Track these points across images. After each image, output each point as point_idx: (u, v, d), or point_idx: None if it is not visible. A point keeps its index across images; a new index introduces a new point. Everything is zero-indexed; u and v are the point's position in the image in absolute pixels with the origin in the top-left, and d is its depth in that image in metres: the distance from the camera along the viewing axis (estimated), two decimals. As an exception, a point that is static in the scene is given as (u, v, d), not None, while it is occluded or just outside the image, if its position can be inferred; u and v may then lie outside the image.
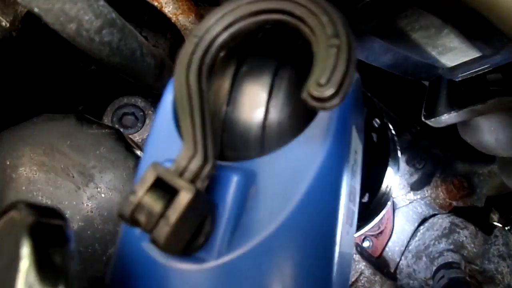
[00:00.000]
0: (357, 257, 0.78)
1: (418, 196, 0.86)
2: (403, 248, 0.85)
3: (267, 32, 0.30)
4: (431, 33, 0.51)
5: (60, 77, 0.67)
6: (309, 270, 0.26)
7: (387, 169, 0.55)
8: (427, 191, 0.86)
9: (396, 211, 0.87)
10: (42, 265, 0.18)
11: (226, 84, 0.29)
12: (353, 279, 0.77)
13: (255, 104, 0.28)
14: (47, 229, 0.20)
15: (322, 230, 0.26)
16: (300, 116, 0.28)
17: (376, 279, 0.77)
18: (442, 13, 0.46)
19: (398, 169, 0.58)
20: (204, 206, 0.24)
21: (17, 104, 0.61)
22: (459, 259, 0.77)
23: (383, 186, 0.54)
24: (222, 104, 0.28)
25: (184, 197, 0.21)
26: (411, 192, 0.87)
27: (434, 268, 0.78)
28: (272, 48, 0.30)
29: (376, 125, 0.53)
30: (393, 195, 0.58)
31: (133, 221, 0.22)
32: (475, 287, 0.75)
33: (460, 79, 0.58)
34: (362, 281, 0.77)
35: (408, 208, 0.87)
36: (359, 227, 0.54)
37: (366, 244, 0.85)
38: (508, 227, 0.82)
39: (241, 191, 0.25)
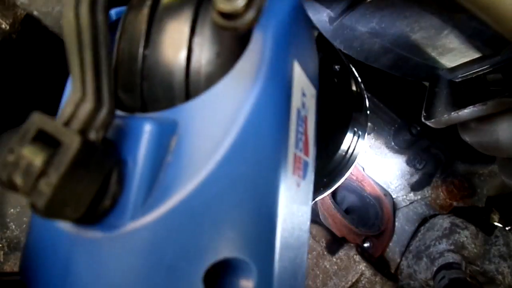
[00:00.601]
0: (357, 257, 0.78)
1: (419, 197, 0.86)
2: (403, 249, 0.85)
3: None
4: (431, 34, 0.51)
5: (60, 79, 0.67)
6: (245, 230, 0.22)
7: (350, 122, 0.50)
8: (427, 191, 0.86)
9: (397, 212, 0.87)
10: None
11: (142, 23, 0.25)
12: (353, 280, 0.77)
13: (176, 43, 0.24)
14: None
15: (257, 182, 0.22)
16: (231, 54, 0.24)
17: (376, 279, 0.77)
18: (441, 14, 0.46)
19: (366, 123, 0.53)
20: (102, 160, 0.20)
21: (17, 106, 0.61)
22: (459, 260, 0.77)
23: (347, 140, 0.50)
24: (138, 47, 0.25)
25: (67, 149, 0.18)
26: (412, 193, 0.87)
27: (435, 268, 0.78)
28: None
29: (337, 70, 0.47)
30: (359, 157, 0.52)
31: (10, 185, 0.18)
32: (476, 288, 0.75)
33: (460, 79, 0.58)
34: (363, 282, 0.77)
35: (408, 209, 0.87)
36: (323, 187, 0.50)
37: (366, 244, 0.85)
38: (509, 228, 0.82)
39: (156, 143, 0.21)
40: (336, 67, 0.46)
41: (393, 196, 0.87)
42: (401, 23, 0.50)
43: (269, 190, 0.23)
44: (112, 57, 0.26)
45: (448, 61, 0.57)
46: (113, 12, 0.30)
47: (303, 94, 0.27)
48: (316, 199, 0.52)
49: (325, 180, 0.51)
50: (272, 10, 0.23)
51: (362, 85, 0.53)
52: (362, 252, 0.80)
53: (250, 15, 0.19)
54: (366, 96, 0.53)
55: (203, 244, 0.21)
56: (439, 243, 0.80)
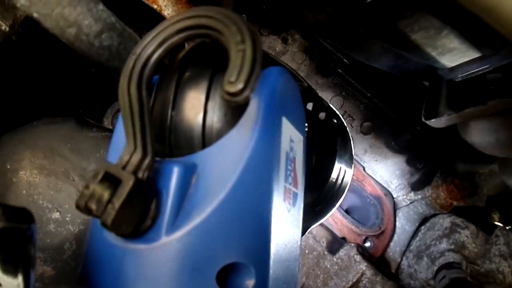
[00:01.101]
0: (358, 257, 0.78)
1: (419, 196, 0.86)
2: (404, 248, 0.85)
3: (203, 45, 0.36)
4: (431, 34, 0.51)
5: (60, 80, 0.67)
6: (247, 242, 0.30)
7: (336, 157, 0.60)
8: (428, 191, 0.86)
9: (397, 211, 0.87)
10: (5, 260, 0.24)
11: (170, 92, 0.33)
12: (354, 280, 0.77)
13: (195, 107, 0.33)
14: (14, 231, 0.25)
15: (256, 207, 0.31)
16: (235, 114, 0.32)
17: (377, 279, 0.77)
18: (441, 14, 0.46)
19: (351, 157, 0.63)
20: (147, 192, 0.28)
21: (17, 108, 0.61)
22: (460, 259, 0.77)
23: (334, 174, 0.60)
24: (168, 109, 0.33)
25: (125, 185, 0.26)
26: (412, 192, 0.87)
27: (435, 268, 0.78)
28: (208, 58, 0.35)
29: (322, 118, 0.58)
30: (348, 185, 0.62)
31: (87, 210, 0.26)
32: (477, 287, 0.75)
33: (460, 79, 0.58)
34: (364, 282, 0.78)
35: (409, 208, 0.87)
36: (315, 216, 0.60)
37: (367, 244, 0.85)
38: (509, 227, 0.82)
39: (182, 180, 0.29)
40: (322, 114, 0.56)
41: (394, 196, 0.87)
42: (401, 23, 0.50)
43: (265, 212, 0.32)
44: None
45: (448, 61, 0.57)
46: None
47: (291, 140, 0.36)
48: (312, 227, 0.60)
49: (317, 208, 0.59)
50: (264, 82, 0.32)
51: (343, 119, 0.64)
52: (363, 252, 0.80)
53: (246, 93, 0.26)
54: (349, 134, 0.64)
55: (216, 252, 0.29)
56: (440, 243, 0.80)
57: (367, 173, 0.87)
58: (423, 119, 0.60)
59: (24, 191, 0.52)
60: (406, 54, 0.60)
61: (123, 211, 0.26)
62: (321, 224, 0.83)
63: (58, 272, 0.51)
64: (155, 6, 0.54)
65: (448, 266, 0.76)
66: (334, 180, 0.60)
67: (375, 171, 0.88)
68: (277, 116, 0.33)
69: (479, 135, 0.57)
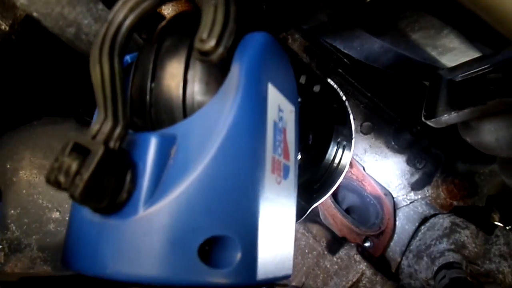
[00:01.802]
0: (358, 257, 0.78)
1: (419, 196, 0.86)
2: (404, 248, 0.85)
3: (184, 15, 0.35)
4: (431, 33, 0.51)
5: (60, 79, 0.67)
6: (230, 214, 0.29)
7: (333, 133, 0.57)
8: (428, 191, 0.86)
9: (397, 211, 0.87)
10: None
11: (149, 63, 0.32)
12: (354, 280, 0.77)
13: (174, 77, 0.31)
14: None
15: (239, 177, 0.29)
16: (217, 82, 0.31)
17: (377, 279, 0.77)
18: (442, 14, 0.46)
19: (350, 135, 0.59)
20: (120, 163, 0.27)
21: (17, 108, 0.61)
22: (460, 259, 0.77)
23: (331, 151, 0.57)
24: (147, 81, 0.32)
25: (94, 155, 0.25)
26: (412, 192, 0.87)
27: (435, 268, 0.78)
28: (189, 28, 0.34)
29: (317, 91, 0.54)
30: (348, 165, 0.60)
31: (56, 184, 0.25)
32: (477, 287, 0.75)
33: (460, 79, 0.58)
34: (363, 281, 0.77)
35: (409, 208, 0.87)
36: (315, 194, 0.57)
37: (367, 244, 0.85)
38: (509, 227, 0.82)
39: (160, 151, 0.28)
40: (316, 87, 0.52)
41: (394, 196, 0.87)
42: (401, 23, 0.50)
43: (250, 183, 0.30)
44: (128, 89, 0.33)
45: (448, 61, 0.57)
46: (129, 57, 0.38)
47: (280, 110, 0.34)
48: (314, 205, 0.58)
49: (315, 186, 0.57)
50: (246, 46, 0.31)
51: (347, 103, 0.60)
52: (363, 252, 0.80)
53: (220, 51, 0.25)
54: (350, 112, 0.60)
55: (197, 225, 0.27)
56: (440, 243, 0.80)
57: (367, 173, 0.87)
58: (423, 119, 0.60)
59: (24, 191, 0.52)
60: (406, 54, 0.60)
61: (93, 182, 0.25)
62: (321, 224, 0.83)
63: (58, 272, 0.51)
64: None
65: (448, 266, 0.76)
66: (332, 158, 0.57)
67: (375, 170, 0.88)
68: (262, 82, 0.31)
69: (479, 135, 0.57)
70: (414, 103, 0.84)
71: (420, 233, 0.84)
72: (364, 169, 0.87)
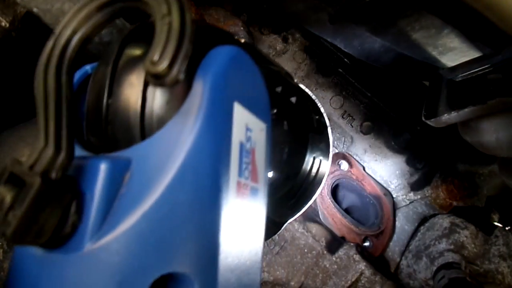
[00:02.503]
0: (357, 257, 0.78)
1: (419, 196, 0.86)
2: (403, 248, 0.85)
3: (145, 27, 0.32)
4: (432, 33, 0.51)
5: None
6: (187, 249, 0.26)
7: (307, 146, 0.53)
8: (427, 191, 0.86)
9: (397, 211, 0.87)
10: None
11: (106, 78, 0.29)
12: (353, 279, 0.77)
13: (133, 93, 0.29)
14: None
15: (198, 206, 0.26)
16: (179, 100, 0.28)
17: (376, 279, 0.77)
18: (442, 13, 0.46)
19: (327, 147, 0.56)
20: (63, 195, 0.24)
21: (17, 104, 0.61)
22: (459, 259, 0.77)
23: (307, 165, 0.53)
24: (103, 97, 0.29)
25: (29, 188, 0.22)
26: (412, 192, 0.87)
27: (435, 268, 0.78)
28: (149, 39, 0.30)
29: (293, 102, 0.51)
30: (325, 178, 0.55)
31: None
32: None
33: (460, 79, 0.58)
34: (363, 281, 0.77)
35: (408, 208, 0.87)
36: (291, 209, 0.53)
37: (366, 244, 0.84)
38: (509, 227, 0.82)
39: (110, 178, 0.25)
40: (293, 99, 0.49)
41: (393, 196, 0.87)
42: (401, 22, 0.50)
43: (210, 213, 0.27)
44: (85, 105, 0.31)
45: (449, 60, 0.57)
46: (89, 67, 0.36)
47: (248, 129, 0.31)
48: (288, 222, 0.54)
49: (290, 202, 0.53)
50: (210, 62, 0.28)
51: (323, 111, 0.56)
52: (362, 252, 0.80)
53: (174, 74, 0.22)
54: (327, 122, 0.56)
55: (149, 262, 0.24)
56: (439, 243, 0.80)
57: (366, 173, 0.87)
58: (423, 119, 0.60)
59: (23, 188, 0.52)
60: (407, 54, 0.60)
61: (28, 219, 0.22)
62: (320, 224, 0.83)
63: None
64: (155, 4, 0.54)
65: (447, 266, 0.75)
66: (307, 172, 0.54)
67: (375, 170, 0.88)
68: (227, 101, 0.29)
69: (479, 135, 0.57)
70: (414, 103, 0.84)
71: (419, 233, 0.84)
72: (364, 169, 0.87)
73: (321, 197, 0.84)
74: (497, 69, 0.53)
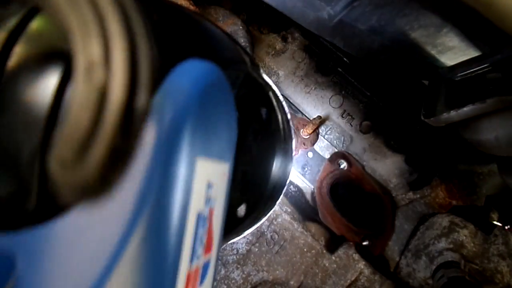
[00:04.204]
0: (356, 256, 0.78)
1: (418, 195, 0.86)
2: (402, 247, 0.85)
3: None
4: (431, 32, 0.51)
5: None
6: None
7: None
8: (426, 190, 0.86)
9: (396, 210, 0.87)
10: None
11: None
12: (352, 279, 0.77)
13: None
14: None
15: None
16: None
17: (375, 278, 0.77)
18: (442, 11, 0.46)
19: (291, 152, 0.49)
20: None
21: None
22: (458, 259, 0.77)
23: (272, 179, 0.47)
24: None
25: None
26: (411, 192, 0.87)
27: (434, 267, 0.78)
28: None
29: (264, 116, 0.43)
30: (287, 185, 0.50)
31: None
32: (475, 287, 0.75)
33: (459, 78, 0.58)
34: (362, 281, 0.77)
35: (407, 208, 0.87)
36: (249, 226, 0.47)
37: (365, 243, 0.84)
38: (508, 227, 0.82)
39: None
40: (263, 111, 0.43)
41: (393, 195, 0.87)
42: (400, 21, 0.50)
43: None
44: None
45: (448, 59, 0.57)
46: None
47: (209, 187, 0.22)
48: (247, 232, 0.47)
49: (247, 220, 0.46)
50: (170, 92, 0.18)
51: (291, 123, 0.50)
52: (361, 251, 0.80)
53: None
54: (291, 129, 0.50)
55: None
56: (438, 242, 0.80)
57: (366, 172, 0.87)
58: (422, 118, 0.60)
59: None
60: (406, 53, 0.60)
61: None
62: (320, 223, 0.83)
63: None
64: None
65: (446, 265, 0.76)
66: (272, 187, 0.47)
67: (374, 170, 0.88)
68: (187, 159, 0.19)
69: (479, 134, 0.57)
70: (413, 102, 0.84)
71: (418, 233, 0.84)
72: (363, 168, 0.87)
73: (320, 196, 0.84)
74: (496, 68, 0.53)
